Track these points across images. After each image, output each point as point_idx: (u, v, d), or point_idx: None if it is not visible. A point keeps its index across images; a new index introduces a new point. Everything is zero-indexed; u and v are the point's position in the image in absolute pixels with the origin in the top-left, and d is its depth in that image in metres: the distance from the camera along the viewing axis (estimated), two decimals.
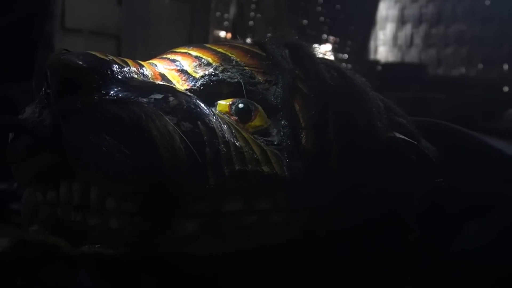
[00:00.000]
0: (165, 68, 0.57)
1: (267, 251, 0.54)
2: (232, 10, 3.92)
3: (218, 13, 3.86)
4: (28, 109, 0.55)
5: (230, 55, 0.59)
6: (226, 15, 3.90)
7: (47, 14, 1.12)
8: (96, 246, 0.50)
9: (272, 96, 0.57)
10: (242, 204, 0.52)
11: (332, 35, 4.44)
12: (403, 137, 0.58)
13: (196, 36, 3.61)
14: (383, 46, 5.02)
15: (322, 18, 4.59)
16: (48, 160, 0.51)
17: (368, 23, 5.02)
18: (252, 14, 4.12)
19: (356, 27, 4.86)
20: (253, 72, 0.58)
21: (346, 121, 0.57)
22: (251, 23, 4.06)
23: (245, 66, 0.58)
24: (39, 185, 0.55)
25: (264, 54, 0.60)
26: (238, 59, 0.58)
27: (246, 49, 0.60)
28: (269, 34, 0.66)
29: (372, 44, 5.04)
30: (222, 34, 3.84)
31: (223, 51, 0.59)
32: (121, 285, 0.47)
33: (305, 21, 4.44)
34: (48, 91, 0.53)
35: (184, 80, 0.56)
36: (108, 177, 0.47)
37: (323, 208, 0.55)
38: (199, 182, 0.48)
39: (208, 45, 0.60)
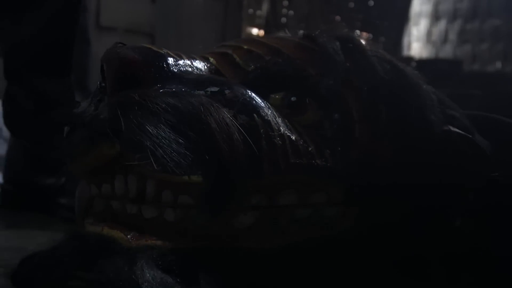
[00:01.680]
0: (217, 62, 0.57)
1: (320, 244, 0.53)
2: (265, 7, 3.92)
3: (250, 10, 3.86)
4: (84, 103, 0.56)
5: (281, 48, 0.58)
6: (258, 12, 3.91)
7: (80, 8, 1.13)
8: (153, 238, 0.50)
9: (324, 89, 0.56)
10: (297, 198, 0.52)
11: (365, 32, 4.41)
12: (457, 130, 0.58)
13: (228, 33, 3.62)
14: (416, 42, 4.97)
15: (355, 14, 4.56)
16: (104, 153, 0.52)
17: (401, 19, 4.97)
18: (284, 11, 4.12)
19: (389, 23, 4.82)
20: (304, 65, 0.57)
21: (399, 114, 0.56)
22: (283, 20, 4.05)
23: (297, 59, 0.58)
24: (94, 178, 0.56)
25: (315, 47, 0.59)
26: (289, 52, 0.58)
27: (297, 42, 0.60)
28: (301, 31, 0.65)
29: (405, 40, 4.99)
30: (255, 31, 3.84)
31: (274, 44, 0.59)
32: (179, 277, 0.47)
33: (338, 18, 4.42)
34: (104, 84, 0.53)
35: (236, 73, 0.56)
36: (166, 170, 0.47)
37: (377, 201, 0.54)
38: (256, 174, 0.48)
39: (259, 38, 0.60)
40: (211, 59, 0.57)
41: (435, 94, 0.61)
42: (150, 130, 0.47)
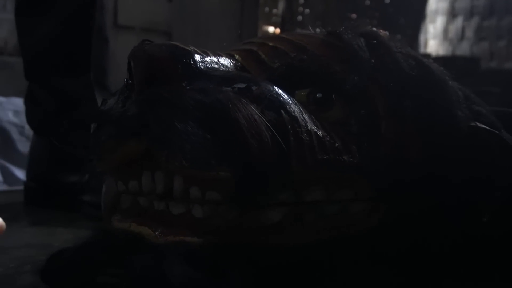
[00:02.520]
0: (242, 59, 0.57)
1: (347, 241, 0.53)
2: (281, 5, 3.92)
3: (266, 9, 3.86)
4: (111, 101, 0.56)
5: (306, 45, 0.58)
6: (274, 10, 3.90)
7: (96, 5, 1.14)
8: (181, 235, 0.50)
9: (350, 86, 0.56)
10: (324, 194, 0.52)
11: (381, 29, 4.39)
12: (484, 126, 0.57)
13: (245, 31, 3.62)
14: (433, 40, 4.94)
15: (371, 12, 4.54)
16: (131, 150, 0.52)
17: (418, 16, 4.95)
18: (300, 9, 4.11)
19: (405, 20, 4.80)
20: (329, 61, 0.57)
21: (426, 110, 0.56)
22: (299, 18, 4.05)
23: (322, 56, 0.58)
24: (121, 175, 0.56)
25: (340, 44, 0.59)
26: (314, 49, 0.58)
27: (321, 39, 0.60)
28: (317, 29, 0.65)
29: (422, 38, 4.96)
30: (271, 29, 3.84)
31: (299, 41, 0.59)
32: (207, 273, 0.47)
33: (354, 15, 4.40)
34: (131, 82, 0.54)
35: (262, 70, 0.56)
36: (195, 166, 0.47)
37: (403, 198, 0.54)
38: (284, 171, 0.48)
39: (284, 35, 0.60)
40: (237, 56, 0.57)
41: (461, 90, 0.60)
42: (178, 127, 0.47)
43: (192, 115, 0.47)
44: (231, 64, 0.55)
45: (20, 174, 1.46)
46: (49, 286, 0.55)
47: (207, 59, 0.52)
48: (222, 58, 0.55)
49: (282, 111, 0.49)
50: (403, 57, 0.59)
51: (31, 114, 1.17)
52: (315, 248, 0.52)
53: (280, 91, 0.51)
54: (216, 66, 0.53)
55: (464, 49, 4.77)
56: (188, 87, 0.49)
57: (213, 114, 0.46)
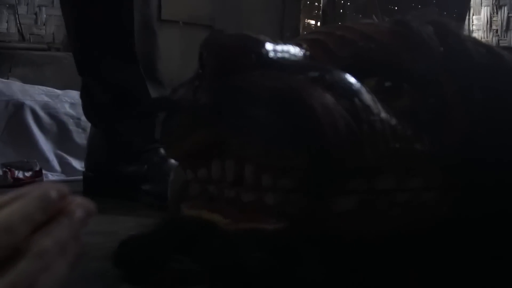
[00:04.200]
0: (310, 48, 0.57)
1: (419, 231, 0.53)
2: None
3: (308, 2, 3.84)
4: (181, 90, 0.57)
5: (373, 34, 0.58)
6: (316, 4, 3.88)
7: None
8: (253, 222, 0.51)
9: (419, 74, 0.56)
10: (395, 182, 0.52)
11: None
12: None
13: (287, 25, 3.61)
14: (477, 31, 4.85)
15: (413, 4, 4.48)
16: (202, 138, 0.53)
17: (461, 8, 4.86)
18: (342, 2, 4.08)
19: (449, 12, 4.72)
20: (398, 50, 0.57)
21: (497, 98, 0.55)
22: (341, 11, 4.02)
23: (390, 45, 0.57)
24: (190, 163, 0.57)
25: (408, 32, 0.59)
26: (382, 38, 0.58)
27: (388, 27, 0.59)
28: (363, 20, 0.65)
29: (466, 30, 4.87)
30: (313, 22, 3.83)
31: (366, 30, 0.58)
32: (281, 260, 0.48)
33: (395, 8, 4.35)
34: (202, 71, 0.54)
35: (329, 59, 0.56)
36: (268, 154, 0.48)
37: (474, 186, 0.54)
38: (357, 158, 0.48)
39: (351, 25, 0.60)
40: (304, 46, 0.57)
41: None
42: (252, 115, 0.48)
43: (266, 103, 0.47)
44: (300, 53, 0.55)
45: (77, 164, 1.49)
46: (121, 272, 0.56)
47: (278, 48, 0.52)
48: (291, 47, 0.55)
49: (356, 99, 0.49)
50: (472, 45, 0.58)
51: (87, 107, 1.20)
52: (386, 237, 0.52)
53: (353, 79, 0.51)
54: (287, 55, 0.53)
55: (509, 40, 4.66)
56: (261, 75, 0.49)
57: (288, 101, 0.47)
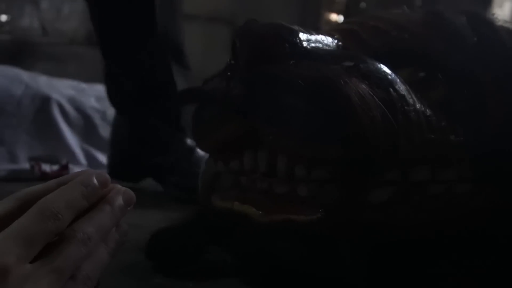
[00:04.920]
0: (343, 38, 0.56)
1: (453, 222, 0.53)
2: None
3: None
4: (212, 81, 0.57)
5: (406, 24, 0.57)
6: None
7: None
8: (286, 213, 0.50)
9: (453, 65, 0.55)
10: (430, 174, 0.51)
11: None
12: None
13: (308, 19, 3.60)
14: None
15: None
16: (235, 130, 0.53)
17: (484, 1, 4.81)
18: None
19: (472, 6, 4.67)
20: (431, 40, 0.56)
21: None
22: (363, 4, 3.99)
23: (423, 35, 0.57)
24: (222, 154, 0.57)
25: (441, 22, 0.58)
26: (415, 28, 0.57)
27: (421, 17, 0.59)
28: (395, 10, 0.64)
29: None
30: (334, 17, 3.81)
31: (399, 21, 0.58)
32: (315, 251, 0.47)
33: (418, 2, 4.31)
34: (234, 61, 0.54)
35: (363, 49, 0.55)
36: (303, 145, 0.47)
37: (508, 179, 0.53)
38: (392, 149, 0.48)
39: (383, 15, 0.60)
40: (336, 36, 0.57)
41: None
42: (286, 104, 0.47)
43: (301, 93, 0.47)
44: (333, 43, 0.55)
45: (103, 158, 1.50)
46: (154, 264, 0.56)
47: (312, 37, 0.52)
48: (324, 37, 0.54)
49: (391, 89, 0.49)
50: (507, 35, 0.57)
51: (111, 92, 1.18)
52: (420, 228, 0.51)
53: (387, 69, 0.50)
54: (320, 45, 0.53)
55: None
56: (296, 65, 0.49)
57: (324, 91, 0.46)
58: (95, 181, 0.34)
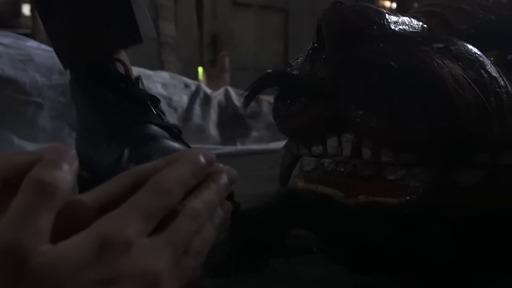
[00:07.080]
0: (428, 20, 0.56)
1: None
2: None
3: None
4: (296, 64, 0.57)
5: (492, 5, 0.56)
6: None
7: None
8: (373, 195, 0.50)
9: None
10: None
11: None
12: None
13: None
14: None
15: None
16: (320, 112, 0.53)
17: None
18: None
19: None
20: None
21: None
22: None
23: (510, 16, 0.56)
24: (304, 138, 0.57)
25: None
26: (501, 10, 0.56)
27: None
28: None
29: None
30: (387, 4, 3.76)
31: (484, 2, 0.57)
32: (406, 234, 0.47)
33: None
34: (318, 45, 0.54)
35: (448, 31, 0.55)
36: (392, 128, 0.47)
37: None
38: (484, 132, 0.47)
39: None
40: (421, 18, 0.56)
41: None
42: (375, 87, 0.47)
43: (392, 75, 0.46)
44: (418, 25, 0.54)
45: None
46: (236, 245, 0.57)
47: (399, 20, 0.52)
48: (409, 19, 0.54)
49: (482, 71, 0.48)
50: None
51: None
52: (509, 212, 0.51)
53: (478, 51, 0.50)
54: (407, 27, 0.52)
55: None
56: (385, 47, 0.48)
57: (416, 72, 0.46)
58: (202, 159, 0.34)
